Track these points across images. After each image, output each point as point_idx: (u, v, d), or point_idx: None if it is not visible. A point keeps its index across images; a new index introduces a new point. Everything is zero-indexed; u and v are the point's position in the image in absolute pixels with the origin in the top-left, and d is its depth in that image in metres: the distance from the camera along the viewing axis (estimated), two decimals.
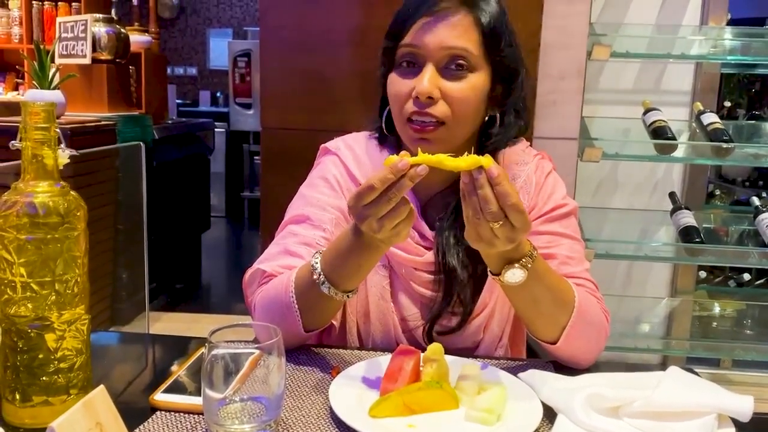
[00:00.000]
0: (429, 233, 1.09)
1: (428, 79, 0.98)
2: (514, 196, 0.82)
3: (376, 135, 1.15)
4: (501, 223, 0.83)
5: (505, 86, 1.07)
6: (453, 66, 1.00)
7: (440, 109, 0.99)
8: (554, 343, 0.99)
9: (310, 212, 1.10)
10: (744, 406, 0.80)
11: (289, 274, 1.00)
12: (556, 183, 1.15)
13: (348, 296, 0.97)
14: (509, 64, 1.05)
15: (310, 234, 1.07)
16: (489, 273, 0.97)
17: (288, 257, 1.06)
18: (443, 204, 1.10)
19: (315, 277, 0.95)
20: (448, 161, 0.83)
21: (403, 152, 0.84)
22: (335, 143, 1.18)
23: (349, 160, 1.14)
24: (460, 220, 0.97)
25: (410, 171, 0.82)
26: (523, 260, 0.91)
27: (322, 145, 1.20)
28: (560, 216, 1.11)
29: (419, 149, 0.85)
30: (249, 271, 1.09)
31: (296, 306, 0.98)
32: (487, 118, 1.07)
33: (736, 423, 0.81)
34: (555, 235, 1.09)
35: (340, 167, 1.14)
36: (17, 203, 0.76)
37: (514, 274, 0.92)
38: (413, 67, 1.02)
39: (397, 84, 1.03)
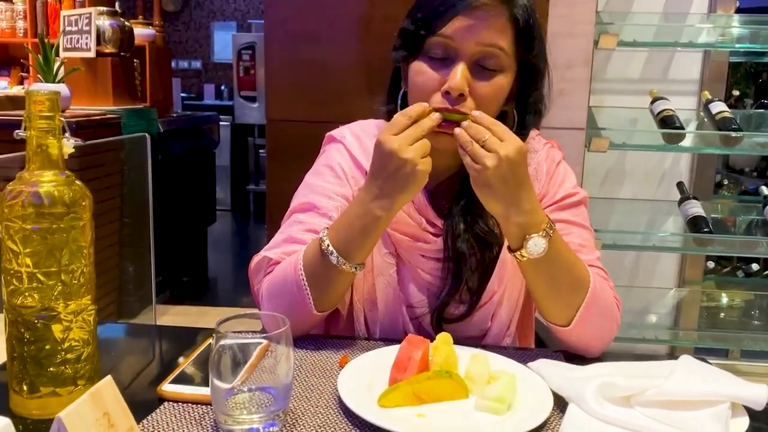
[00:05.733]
0: (437, 220, 1.09)
1: (461, 76, 0.97)
2: (489, 118, 0.93)
3: (387, 121, 1.14)
4: (488, 136, 0.90)
5: (526, 84, 1.06)
6: (483, 64, 0.99)
7: (468, 106, 0.97)
8: (567, 325, 0.99)
9: (316, 200, 1.09)
10: (758, 394, 0.79)
11: (297, 255, 1.01)
12: (566, 172, 1.14)
13: (356, 269, 0.98)
14: (536, 64, 1.05)
15: (315, 222, 1.07)
16: (508, 251, 0.97)
17: (293, 245, 1.06)
18: (451, 192, 1.10)
19: (323, 247, 0.96)
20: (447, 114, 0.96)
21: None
22: (340, 131, 1.18)
23: (355, 147, 1.13)
24: (469, 206, 0.97)
25: (430, 114, 0.94)
26: (543, 231, 0.93)
27: (328, 134, 1.19)
28: (571, 204, 1.10)
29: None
30: (255, 259, 1.09)
31: (305, 283, 0.98)
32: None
33: (750, 412, 0.80)
34: (566, 223, 1.08)
35: (345, 155, 1.13)
36: (22, 193, 0.75)
37: (537, 244, 0.93)
38: (443, 58, 0.99)
39: (424, 74, 1.00)
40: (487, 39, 0.97)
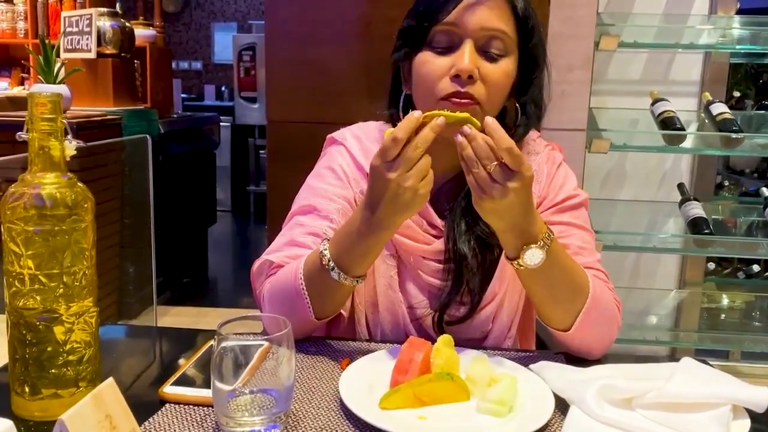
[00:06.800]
0: (438, 222, 1.09)
1: (469, 57, 0.97)
2: (506, 140, 0.85)
3: (387, 123, 1.14)
4: (495, 164, 0.85)
5: (527, 76, 1.06)
6: (489, 48, 0.99)
7: (477, 90, 0.97)
8: (567, 330, 0.99)
9: (317, 203, 1.09)
10: (759, 396, 0.79)
11: (298, 262, 1.00)
12: (567, 174, 1.14)
13: (357, 282, 0.97)
14: (536, 54, 1.05)
15: (317, 224, 1.07)
16: (506, 258, 0.96)
17: (295, 248, 1.05)
18: (452, 193, 1.10)
19: (324, 262, 0.95)
20: (448, 114, 0.89)
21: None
22: (341, 133, 1.18)
23: (356, 149, 1.13)
24: (470, 207, 0.96)
25: (431, 122, 0.87)
26: (541, 241, 0.92)
27: (329, 136, 1.19)
28: (571, 207, 1.10)
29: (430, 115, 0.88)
30: (257, 263, 1.08)
31: (306, 293, 0.98)
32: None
33: (751, 414, 0.80)
34: (566, 225, 1.08)
35: (346, 157, 1.13)
36: (24, 195, 0.75)
37: (534, 255, 0.92)
38: (448, 46, 1.00)
39: (430, 63, 1.00)
40: (491, 23, 0.98)
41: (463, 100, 0.97)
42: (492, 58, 0.99)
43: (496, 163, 0.86)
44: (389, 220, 0.92)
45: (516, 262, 0.94)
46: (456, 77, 0.97)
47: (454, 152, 0.92)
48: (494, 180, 0.86)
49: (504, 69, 1.00)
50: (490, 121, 0.86)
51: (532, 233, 0.92)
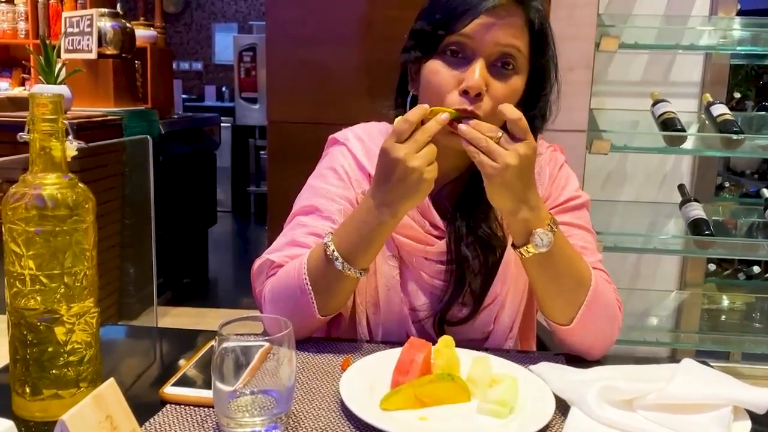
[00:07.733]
0: (440, 223, 1.09)
1: (480, 74, 0.96)
2: (516, 112, 0.91)
3: (390, 125, 1.14)
4: (503, 133, 0.91)
5: (536, 91, 1.06)
6: (500, 64, 0.99)
7: (484, 107, 0.97)
8: (568, 324, 0.99)
9: (319, 203, 1.09)
10: (760, 398, 0.79)
11: (301, 259, 1.01)
12: (569, 175, 1.15)
13: (360, 274, 0.98)
14: (548, 67, 1.05)
15: (318, 225, 1.07)
16: (513, 248, 0.98)
17: (296, 248, 1.06)
18: (454, 194, 1.10)
19: (328, 253, 0.96)
20: (452, 111, 0.95)
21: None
22: (343, 134, 1.17)
23: (358, 150, 1.13)
24: (473, 208, 0.97)
25: (436, 116, 0.93)
26: (548, 225, 0.94)
27: (331, 136, 1.19)
28: (573, 207, 1.11)
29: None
30: (257, 262, 1.08)
31: (310, 288, 0.98)
32: None
33: (752, 415, 0.80)
34: (568, 225, 1.08)
35: (348, 158, 1.13)
36: (26, 195, 0.75)
37: (542, 238, 0.94)
38: (459, 57, 0.99)
39: (440, 73, 1.00)
40: (506, 39, 0.98)
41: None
42: (502, 75, 0.99)
43: (502, 133, 0.91)
44: (395, 205, 0.93)
45: (524, 249, 0.95)
46: (465, 93, 0.97)
47: (456, 155, 0.92)
48: (506, 148, 0.90)
49: (513, 87, 1.00)
50: (503, 106, 0.92)
51: (539, 216, 0.94)
